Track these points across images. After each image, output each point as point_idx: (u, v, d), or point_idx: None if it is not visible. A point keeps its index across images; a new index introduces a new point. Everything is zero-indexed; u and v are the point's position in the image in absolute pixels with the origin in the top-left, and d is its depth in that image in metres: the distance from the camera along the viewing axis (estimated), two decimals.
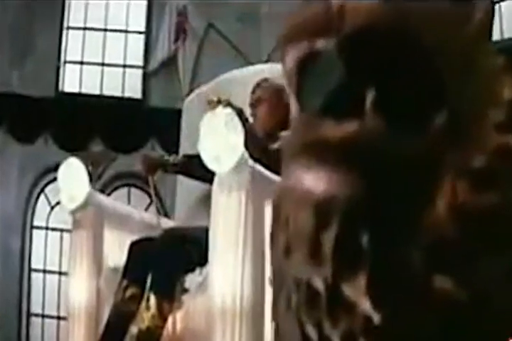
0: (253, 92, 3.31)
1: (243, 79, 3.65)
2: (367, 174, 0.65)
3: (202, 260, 2.75)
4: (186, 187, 3.68)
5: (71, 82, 6.61)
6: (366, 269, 0.65)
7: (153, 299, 2.76)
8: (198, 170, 3.45)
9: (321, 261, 0.67)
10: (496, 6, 6.63)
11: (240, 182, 2.64)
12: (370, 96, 0.65)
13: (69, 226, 6.32)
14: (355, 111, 0.66)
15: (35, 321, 6.12)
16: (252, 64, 6.36)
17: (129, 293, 2.95)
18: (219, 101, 2.79)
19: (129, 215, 3.44)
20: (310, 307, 0.69)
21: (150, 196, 6.55)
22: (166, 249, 2.80)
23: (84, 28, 6.78)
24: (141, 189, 6.50)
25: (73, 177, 3.29)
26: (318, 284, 0.68)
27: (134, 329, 2.89)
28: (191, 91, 6.91)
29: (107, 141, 6.41)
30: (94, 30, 6.79)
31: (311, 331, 0.69)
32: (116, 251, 3.33)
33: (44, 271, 6.19)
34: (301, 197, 0.68)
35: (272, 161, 2.83)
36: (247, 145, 2.66)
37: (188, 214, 3.61)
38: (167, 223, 3.51)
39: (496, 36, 6.54)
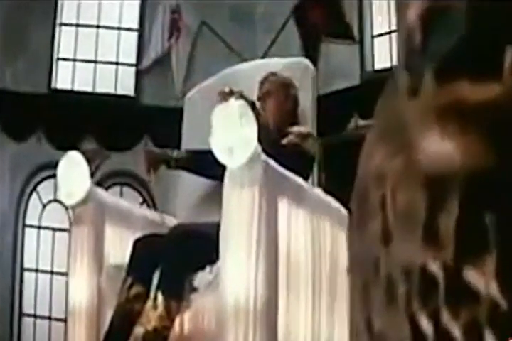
0: (261, 86, 3.23)
1: (247, 74, 3.56)
2: (505, 144, 0.57)
3: (212, 257, 2.65)
4: (188, 183, 3.58)
5: (64, 79, 6.52)
6: (493, 253, 0.58)
7: (160, 298, 2.65)
8: (202, 165, 3.37)
9: (438, 245, 0.59)
10: None
11: (252, 177, 2.55)
12: (509, 56, 0.58)
13: (61, 225, 6.32)
14: (492, 72, 0.58)
15: (27, 321, 6.00)
16: (244, 60, 6.33)
17: (133, 291, 2.84)
18: (231, 93, 2.70)
19: (131, 212, 3.33)
20: (425, 296, 0.61)
21: (142, 195, 6.47)
22: (174, 246, 2.69)
23: (77, 25, 6.70)
24: (134, 188, 6.42)
25: (74, 172, 3.19)
26: (436, 270, 0.60)
27: (138, 330, 2.78)
28: (185, 91, 6.90)
29: (100, 139, 6.32)
30: (87, 26, 6.71)
31: (426, 324, 0.61)
32: (117, 249, 3.22)
33: (36, 271, 6.07)
34: (412, 175, 0.60)
35: (284, 156, 2.74)
36: (259, 139, 2.57)
37: (190, 211, 3.51)
38: (171, 220, 3.41)
39: None
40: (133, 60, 6.81)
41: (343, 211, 3.16)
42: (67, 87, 6.51)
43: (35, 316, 6.04)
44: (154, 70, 6.83)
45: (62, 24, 6.63)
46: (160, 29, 6.97)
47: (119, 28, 6.84)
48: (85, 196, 3.14)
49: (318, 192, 2.99)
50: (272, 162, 2.64)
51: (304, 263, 2.75)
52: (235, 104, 2.57)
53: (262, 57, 6.48)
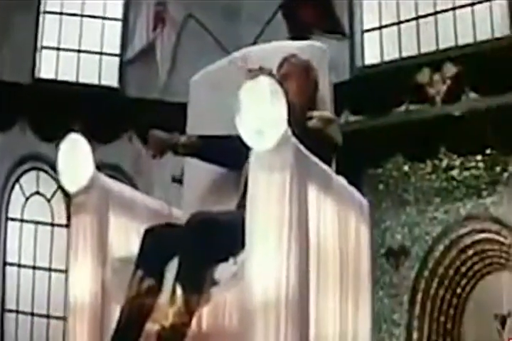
0: (279, 68, 3.01)
1: (257, 56, 3.35)
2: None
3: (235, 248, 2.43)
4: (194, 171, 3.36)
5: (48, 68, 6.37)
6: None
7: (179, 292, 2.42)
8: (212, 152, 3.15)
9: None
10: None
11: (283, 161, 2.34)
12: None
13: (44, 219, 6.11)
14: None
15: (9, 317, 5.77)
16: (229, 53, 6.17)
17: (144, 285, 2.60)
18: (261, 70, 2.48)
19: (136, 201, 3.08)
20: None
21: None
22: (194, 236, 2.45)
23: (61, 13, 6.50)
24: (118, 180, 6.22)
25: (76, 156, 2.95)
26: None
27: (151, 327, 2.55)
28: (169, 83, 6.73)
29: (84, 131, 6.09)
30: (71, 15, 6.52)
31: None
32: (121, 240, 2.98)
33: (19, 265, 5.84)
34: None
35: (308, 141, 2.53)
36: (289, 121, 2.37)
37: (197, 201, 3.29)
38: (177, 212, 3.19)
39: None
40: (117, 51, 6.65)
41: (364, 201, 2.98)
42: (51, 76, 6.38)
43: (17, 312, 5.86)
44: (139, 61, 6.70)
45: (46, 12, 6.49)
46: (145, 20, 6.85)
47: (103, 18, 6.66)
48: (88, 182, 2.91)
49: (342, 180, 2.79)
50: (301, 146, 2.43)
51: (331, 255, 2.54)
52: (265, 81, 2.36)
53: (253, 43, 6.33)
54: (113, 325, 2.74)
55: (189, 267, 2.44)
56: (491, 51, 6.21)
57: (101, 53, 6.58)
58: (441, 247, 6.73)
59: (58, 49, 6.45)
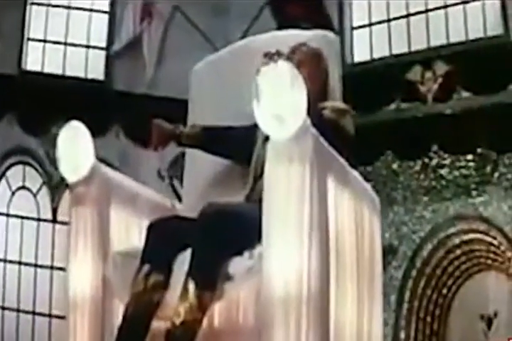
0: (290, 56, 2.90)
1: (262, 45, 3.24)
2: None
3: (251, 241, 2.32)
4: (196, 163, 3.25)
5: (34, 60, 6.25)
6: None
7: (192, 287, 2.30)
8: (217, 143, 3.04)
9: None
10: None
11: (302, 150, 2.23)
12: None
13: (30, 214, 5.97)
14: None
15: None
16: (217, 50, 6.10)
17: (151, 280, 2.48)
18: (278, 54, 2.37)
19: (138, 193, 2.96)
20: None
21: None
22: (208, 228, 2.33)
23: (48, 5, 6.37)
24: None
25: (76, 145, 2.82)
26: None
27: (160, 325, 2.43)
28: (155, 77, 6.62)
29: None
30: (57, 7, 6.40)
31: None
32: (122, 233, 2.86)
33: (5, 261, 5.70)
34: None
35: (324, 131, 2.43)
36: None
37: (199, 194, 3.17)
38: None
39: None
40: (103, 44, 6.52)
41: (376, 196, 2.88)
42: (38, 68, 6.25)
43: (3, 308, 5.74)
44: (125, 55, 6.58)
45: (33, 3, 6.36)
46: (132, 12, 6.74)
47: (90, 10, 6.54)
48: (89, 172, 2.78)
49: (357, 174, 2.69)
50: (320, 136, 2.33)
51: (348, 250, 2.45)
52: (284, 65, 2.25)
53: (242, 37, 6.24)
54: (115, 321, 2.63)
55: (202, 261, 2.33)
56: (483, 50, 6.15)
57: (87, 46, 6.43)
58: (429, 247, 6.66)
59: (45, 41, 6.32)
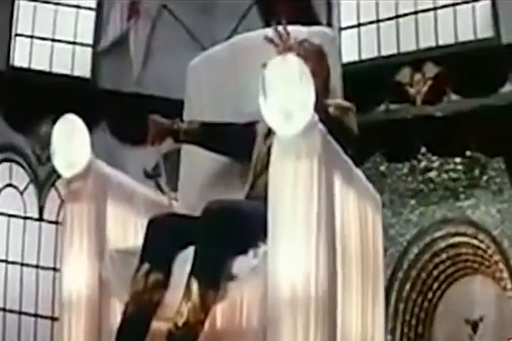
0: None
1: (259, 42, 3.18)
2: None
3: (256, 239, 2.26)
4: (192, 160, 3.18)
5: (22, 56, 6.15)
6: None
7: (195, 287, 2.23)
8: (216, 139, 2.97)
9: None
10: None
11: (310, 147, 2.17)
12: None
13: (17, 212, 5.86)
14: None
15: None
16: (205, 49, 6.04)
17: (151, 279, 2.40)
18: (289, 48, 2.31)
19: (134, 190, 2.88)
20: None
21: None
22: (212, 226, 2.26)
23: (36, 0, 6.29)
24: None
25: (72, 139, 2.74)
26: None
27: (157, 325, 2.35)
28: (142, 76, 6.55)
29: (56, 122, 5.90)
30: (45, 3, 6.33)
31: None
32: (119, 231, 2.78)
33: None
34: None
35: (329, 128, 2.37)
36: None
37: (196, 191, 3.10)
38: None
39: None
40: (90, 41, 6.44)
41: (378, 196, 2.83)
42: (25, 65, 6.15)
43: None
44: (112, 53, 6.51)
45: None
46: (119, 10, 6.66)
47: (77, 7, 6.46)
48: (85, 167, 2.70)
49: (360, 173, 2.64)
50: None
51: (354, 249, 2.39)
52: (293, 60, 2.19)
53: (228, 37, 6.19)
54: (112, 321, 2.55)
55: (206, 260, 2.25)
56: (474, 52, 6.13)
57: (74, 43, 6.35)
58: (415, 250, 6.62)
59: (32, 37, 6.23)
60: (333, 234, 2.18)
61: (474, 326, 6.57)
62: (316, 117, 2.23)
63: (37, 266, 5.68)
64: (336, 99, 2.83)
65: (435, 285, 6.76)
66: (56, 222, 5.75)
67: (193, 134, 2.96)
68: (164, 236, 2.48)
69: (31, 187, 5.81)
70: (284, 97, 2.16)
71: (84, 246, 2.66)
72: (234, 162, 3.04)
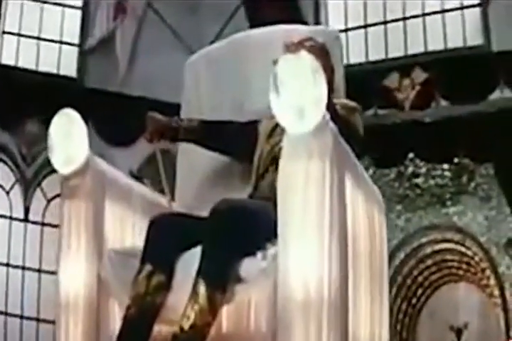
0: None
1: (261, 39, 3.14)
2: None
3: (265, 241, 2.19)
4: (190, 159, 3.11)
5: (9, 54, 6.04)
6: None
7: (203, 289, 2.16)
8: (215, 138, 2.90)
9: None
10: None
11: (322, 146, 2.11)
12: None
13: (3, 212, 5.74)
14: None
15: None
16: (190, 48, 5.99)
17: (154, 281, 2.33)
18: (300, 44, 2.25)
19: (132, 188, 2.80)
20: None
21: None
22: (221, 226, 2.19)
23: None
24: None
25: (69, 134, 2.65)
26: None
27: (159, 329, 2.28)
28: (127, 76, 6.48)
29: (43, 121, 5.80)
30: (32, 0, 6.23)
31: None
32: (117, 230, 2.71)
33: None
34: None
35: (340, 129, 2.32)
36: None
37: (195, 191, 3.03)
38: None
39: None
40: (76, 40, 6.38)
41: (381, 198, 2.78)
42: (12, 62, 6.06)
43: None
44: (98, 52, 6.45)
45: None
46: (105, 9, 6.59)
47: (63, 5, 6.38)
48: (84, 164, 2.62)
49: (366, 174, 2.59)
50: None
51: (363, 250, 2.33)
52: (307, 57, 2.13)
53: (211, 42, 6.14)
54: (111, 324, 2.47)
55: (214, 261, 2.18)
56: (463, 59, 6.12)
57: (60, 42, 6.28)
58: (401, 255, 6.59)
59: (19, 35, 6.13)
60: (345, 235, 2.13)
61: (458, 333, 6.55)
62: (328, 116, 2.17)
63: (23, 268, 5.59)
64: (341, 99, 2.78)
65: (419, 291, 6.73)
66: (42, 223, 5.67)
67: (193, 132, 2.88)
68: (166, 236, 2.40)
69: (17, 187, 5.71)
70: (298, 94, 2.10)
71: (82, 245, 2.58)
72: (233, 161, 2.97)
